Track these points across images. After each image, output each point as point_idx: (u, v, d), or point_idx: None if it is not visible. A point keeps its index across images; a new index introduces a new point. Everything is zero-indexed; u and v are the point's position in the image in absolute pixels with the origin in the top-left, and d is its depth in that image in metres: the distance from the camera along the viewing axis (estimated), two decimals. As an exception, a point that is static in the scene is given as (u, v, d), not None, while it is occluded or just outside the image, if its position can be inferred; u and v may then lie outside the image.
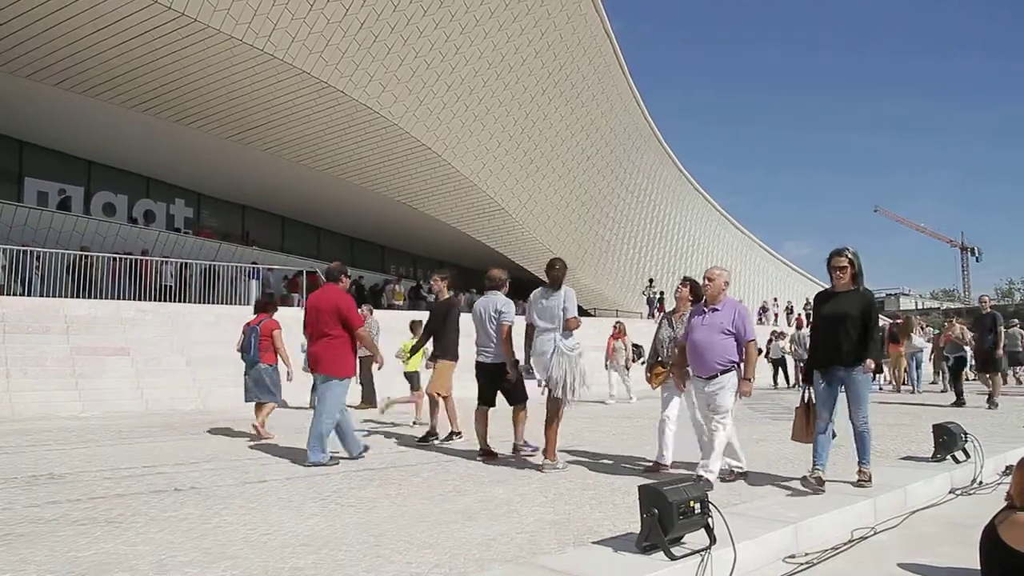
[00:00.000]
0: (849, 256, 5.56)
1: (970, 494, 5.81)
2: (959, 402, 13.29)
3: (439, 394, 8.49)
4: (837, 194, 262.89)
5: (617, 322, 16.21)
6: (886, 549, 4.30)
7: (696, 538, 3.68)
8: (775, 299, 39.85)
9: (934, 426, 6.67)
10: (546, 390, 6.36)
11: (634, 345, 15.51)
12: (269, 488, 5.61)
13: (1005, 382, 16.18)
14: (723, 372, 5.61)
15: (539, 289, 6.66)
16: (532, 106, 26.08)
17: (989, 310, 13.38)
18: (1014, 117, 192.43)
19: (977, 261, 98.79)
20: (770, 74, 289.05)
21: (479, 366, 7.14)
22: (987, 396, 12.93)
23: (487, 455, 7.07)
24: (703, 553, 3.54)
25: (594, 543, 3.85)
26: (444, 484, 5.71)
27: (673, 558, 3.48)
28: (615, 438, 8.80)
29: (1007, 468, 6.56)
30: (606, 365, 15.59)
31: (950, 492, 5.82)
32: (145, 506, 4.94)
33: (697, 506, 3.63)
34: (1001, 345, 12.94)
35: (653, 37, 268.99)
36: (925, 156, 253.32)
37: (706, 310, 5.80)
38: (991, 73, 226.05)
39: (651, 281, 35.35)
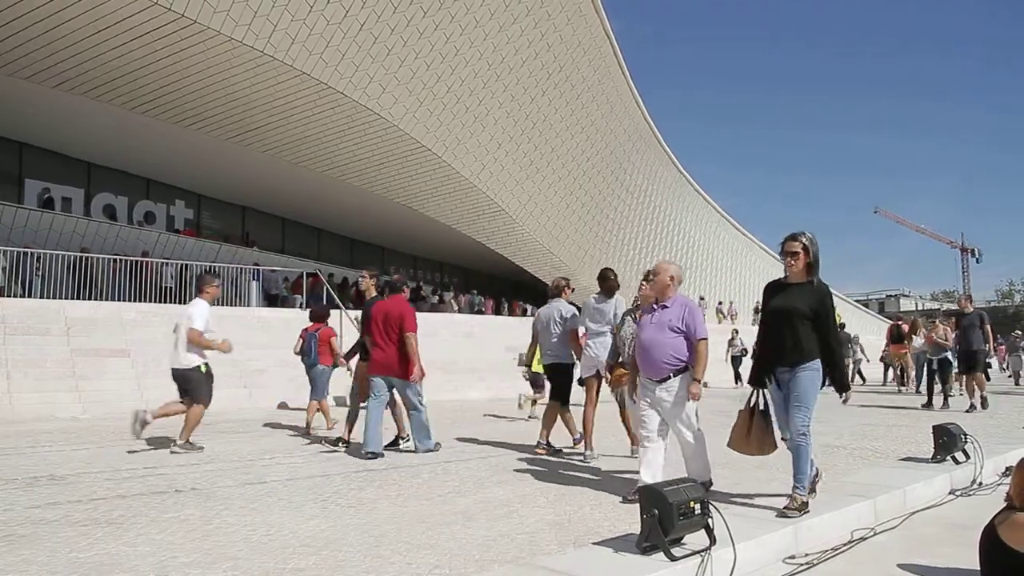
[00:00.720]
0: (804, 242, 4.93)
1: (970, 495, 5.81)
2: (930, 403, 13.20)
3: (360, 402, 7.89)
4: (837, 195, 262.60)
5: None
6: (886, 550, 4.30)
7: (696, 539, 3.68)
8: None
9: (934, 427, 6.68)
10: (589, 382, 7.37)
11: None
12: (269, 489, 5.61)
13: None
14: (676, 373, 5.10)
15: (593, 296, 7.46)
16: (532, 107, 26.10)
17: (972, 310, 12.99)
18: (1015, 118, 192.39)
19: (977, 262, 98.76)
20: (770, 75, 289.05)
21: (546, 367, 8.09)
22: (974, 400, 12.48)
23: (545, 446, 7.66)
24: (703, 554, 3.55)
25: (594, 544, 3.86)
26: (444, 485, 5.72)
27: (673, 559, 3.48)
28: (616, 439, 8.80)
29: (1007, 469, 6.56)
30: None
31: (950, 493, 5.83)
32: (146, 507, 4.95)
33: (697, 507, 3.63)
34: (992, 344, 12.74)
35: (653, 37, 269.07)
36: (925, 157, 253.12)
37: (656, 308, 5.36)
38: (992, 74, 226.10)
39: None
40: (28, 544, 3.97)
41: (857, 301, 56.50)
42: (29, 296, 16.15)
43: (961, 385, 13.32)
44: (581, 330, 7.57)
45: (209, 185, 26.89)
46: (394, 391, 7.62)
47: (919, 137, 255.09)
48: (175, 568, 3.55)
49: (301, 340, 10.23)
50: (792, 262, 4.94)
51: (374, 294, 8.21)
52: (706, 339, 5.18)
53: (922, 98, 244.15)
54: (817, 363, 4.76)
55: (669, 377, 5.09)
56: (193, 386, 7.55)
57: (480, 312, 29.69)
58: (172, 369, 7.66)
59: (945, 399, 13.22)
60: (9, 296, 15.44)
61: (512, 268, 33.33)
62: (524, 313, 31.19)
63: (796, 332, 4.81)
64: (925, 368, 14.81)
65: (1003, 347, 31.55)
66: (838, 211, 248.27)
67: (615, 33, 28.35)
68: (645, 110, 33.82)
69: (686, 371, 5.12)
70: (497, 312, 31.29)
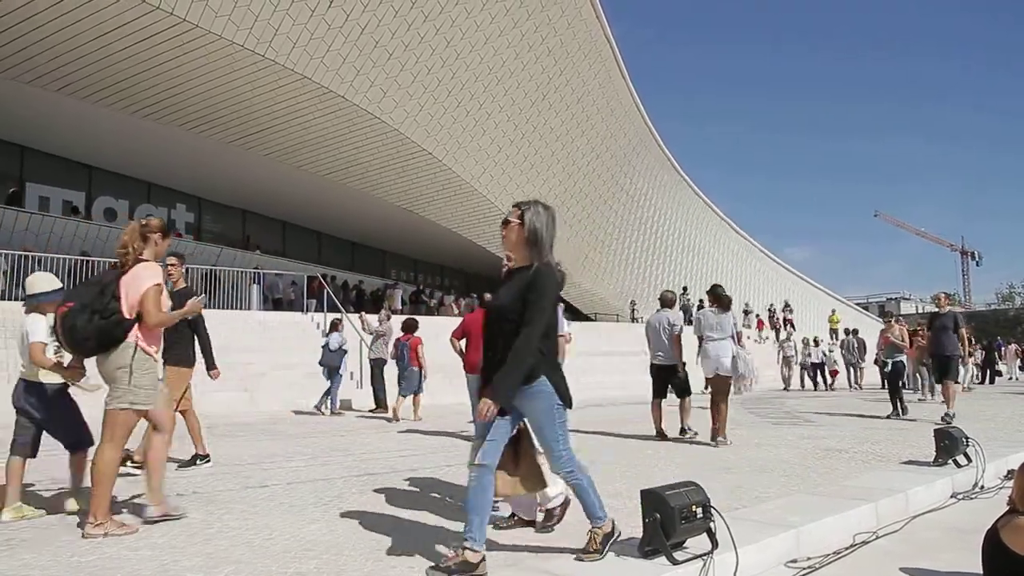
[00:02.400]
0: (524, 210, 3.71)
1: (972, 499, 5.80)
2: (896, 412, 11.76)
3: (179, 410, 6.72)
4: (837, 199, 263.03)
5: None
6: (888, 554, 4.29)
7: (698, 543, 3.68)
8: (786, 304, 39.14)
9: (935, 430, 6.67)
10: (714, 382, 8.44)
11: None
12: (271, 493, 5.60)
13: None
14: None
15: (707, 308, 8.86)
16: (533, 111, 26.13)
17: (948, 310, 11.70)
18: (1015, 121, 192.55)
19: (978, 265, 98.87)
20: (771, 79, 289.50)
21: (654, 367, 9.16)
22: (950, 410, 10.99)
23: (661, 436, 8.85)
24: (705, 558, 3.54)
25: (596, 548, 3.84)
26: (446, 489, 5.71)
27: (675, 563, 3.48)
28: (617, 442, 8.80)
29: (1009, 472, 6.55)
30: None
31: (952, 497, 5.81)
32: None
33: (699, 510, 3.63)
34: (967, 349, 11.33)
35: (654, 41, 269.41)
36: (925, 161, 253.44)
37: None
38: (992, 78, 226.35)
39: (685, 289, 35.22)
40: (29, 548, 3.97)
41: (857, 304, 56.47)
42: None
43: (927, 391, 12.37)
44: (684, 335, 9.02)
45: (210, 188, 26.93)
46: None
47: (920, 141, 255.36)
48: (177, 572, 3.54)
49: (395, 347, 12.58)
50: (506, 236, 3.73)
51: (183, 284, 7.09)
52: (562, 336, 4.45)
53: (922, 102, 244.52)
54: (544, 382, 3.57)
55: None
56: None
57: (481, 315, 29.66)
58: None
59: (902, 405, 11.90)
60: (10, 300, 15.44)
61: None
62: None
63: (508, 340, 3.55)
64: (879, 372, 13.57)
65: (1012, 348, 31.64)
66: (839, 215, 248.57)
67: (616, 37, 28.41)
68: (645, 114, 33.85)
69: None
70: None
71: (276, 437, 9.56)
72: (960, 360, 11.40)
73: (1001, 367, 29.44)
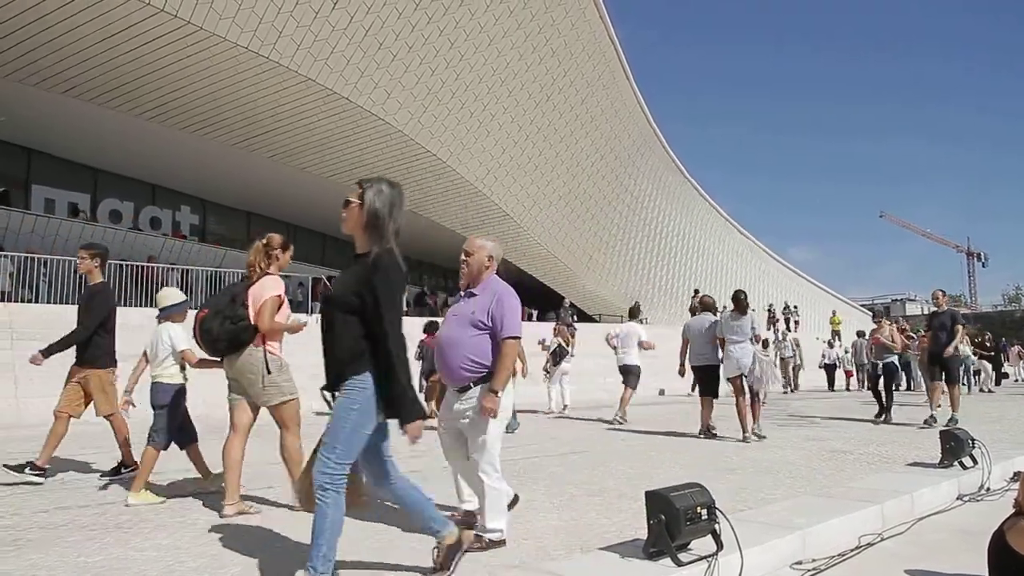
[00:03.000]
0: (364, 188, 3.34)
1: (978, 500, 5.79)
2: (882, 415, 11.51)
3: (105, 416, 6.56)
4: (842, 200, 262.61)
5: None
6: (893, 556, 4.29)
7: (703, 544, 3.68)
8: (786, 305, 39.11)
9: (941, 432, 6.66)
10: (735, 382, 9.06)
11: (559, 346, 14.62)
12: (277, 494, 5.62)
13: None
14: (478, 383, 4.07)
15: (728, 313, 9.37)
16: (537, 112, 26.14)
17: (946, 308, 11.29)
18: (1020, 122, 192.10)
19: (983, 267, 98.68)
20: (775, 80, 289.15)
21: (696, 368, 9.73)
22: (934, 412, 10.80)
23: (706, 433, 9.41)
24: (710, 559, 3.54)
25: (601, 549, 3.85)
26: (449, 489, 5.71)
27: (680, 564, 3.48)
28: (622, 444, 8.80)
29: (1015, 474, 6.54)
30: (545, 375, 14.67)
31: (957, 498, 5.80)
32: (153, 512, 4.96)
33: (704, 512, 3.63)
34: (955, 346, 10.77)
35: (658, 43, 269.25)
36: (931, 162, 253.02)
37: (463, 295, 4.34)
38: (996, 78, 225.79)
39: (696, 291, 35.20)
40: (36, 548, 3.98)
41: (863, 305, 56.35)
42: (36, 301, 16.21)
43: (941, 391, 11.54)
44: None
45: (214, 190, 26.98)
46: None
47: (924, 142, 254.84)
48: (182, 572, 3.56)
49: (417, 348, 12.44)
50: (345, 217, 3.37)
51: (99, 279, 6.86)
52: (517, 337, 4.10)
53: (926, 102, 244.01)
54: (364, 379, 3.18)
55: (469, 386, 4.09)
56: None
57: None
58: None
59: (888, 411, 11.55)
60: (17, 301, 15.50)
61: (518, 273, 33.32)
62: (530, 318, 31.17)
63: (334, 332, 3.26)
64: (868, 374, 12.88)
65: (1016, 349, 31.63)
66: (844, 216, 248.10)
67: (620, 38, 28.41)
68: (650, 115, 33.84)
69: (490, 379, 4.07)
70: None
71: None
72: (956, 360, 11.12)
73: (1007, 368, 29.41)
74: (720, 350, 9.38)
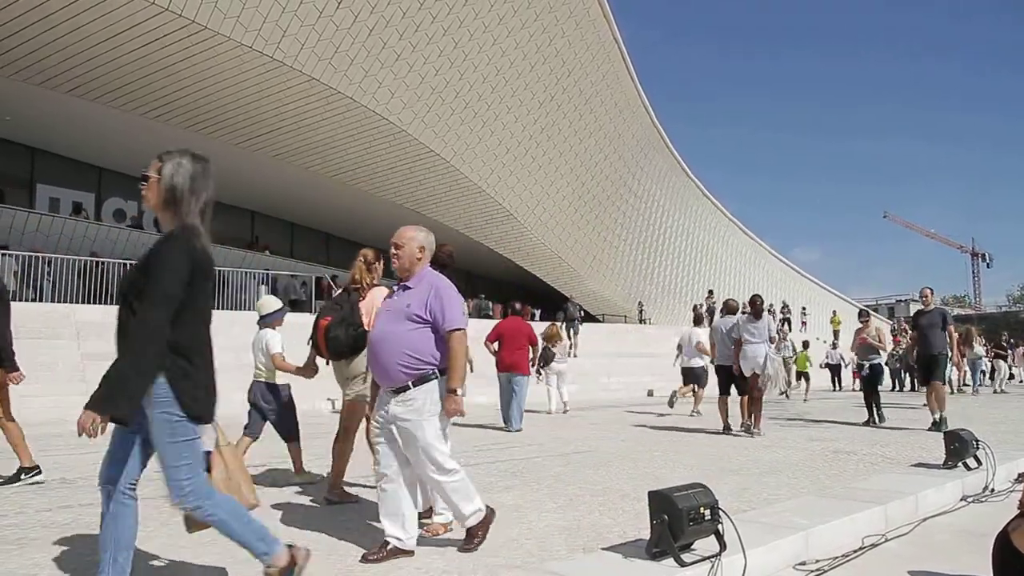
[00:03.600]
0: (163, 161, 3.06)
1: (982, 501, 5.76)
2: (871, 420, 11.04)
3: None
4: (846, 200, 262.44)
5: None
6: (897, 557, 4.27)
7: (706, 544, 3.67)
8: (784, 304, 39.03)
9: (945, 433, 6.64)
10: (750, 381, 9.63)
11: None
12: (281, 494, 5.62)
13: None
14: (418, 382, 3.73)
15: (745, 315, 9.93)
16: (541, 112, 26.13)
17: (934, 306, 10.80)
18: (1021, 122, 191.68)
19: (988, 267, 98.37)
20: (778, 80, 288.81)
21: (720, 368, 10.32)
22: (935, 416, 10.08)
23: (726, 430, 9.90)
24: (713, 559, 3.53)
25: (603, 549, 3.84)
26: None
27: (683, 564, 3.47)
28: (624, 444, 8.79)
29: (1020, 475, 6.53)
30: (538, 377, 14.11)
31: (961, 499, 5.78)
32: (156, 511, 4.94)
33: (707, 512, 3.62)
34: (956, 348, 10.28)
35: (660, 43, 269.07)
36: (934, 162, 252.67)
37: (396, 289, 4.09)
38: (999, 78, 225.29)
39: (710, 292, 35.26)
40: (40, 548, 3.99)
41: (867, 306, 56.28)
42: (40, 300, 16.24)
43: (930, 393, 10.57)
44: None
45: (219, 189, 26.75)
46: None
47: (927, 142, 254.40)
48: (187, 572, 3.56)
49: None
50: (144, 194, 3.06)
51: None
52: (463, 330, 3.78)
53: (930, 102, 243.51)
54: (160, 385, 2.75)
55: (408, 387, 3.73)
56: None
57: (488, 317, 29.69)
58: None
59: (879, 413, 11.11)
60: (20, 300, 15.52)
61: (521, 273, 33.32)
62: (532, 318, 31.19)
63: (124, 328, 2.82)
64: (855, 375, 12.60)
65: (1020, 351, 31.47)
66: (847, 216, 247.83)
67: (623, 39, 28.39)
68: (653, 115, 33.80)
69: (431, 378, 3.76)
70: (504, 317, 31.34)
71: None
72: (948, 359, 10.47)
73: (1013, 369, 29.31)
74: (737, 350, 9.85)
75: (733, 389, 10.04)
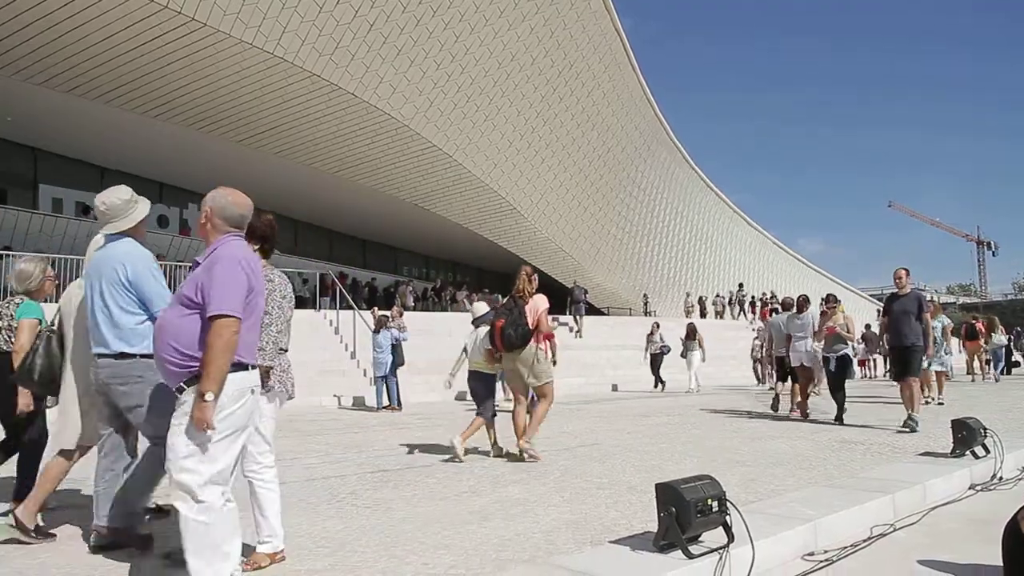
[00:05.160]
0: None
1: (990, 490, 5.74)
2: (840, 416, 9.86)
3: None
4: (851, 190, 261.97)
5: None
6: (906, 546, 4.25)
7: (714, 536, 3.65)
8: (772, 295, 38.45)
9: (953, 421, 6.61)
10: (799, 370, 10.82)
11: None
12: (286, 490, 5.59)
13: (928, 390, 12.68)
14: (191, 382, 2.94)
15: (788, 313, 11.36)
16: (543, 105, 26.08)
17: (910, 290, 9.27)
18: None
19: (994, 255, 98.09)
20: (782, 71, 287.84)
21: (776, 359, 11.86)
22: (913, 413, 8.71)
23: (802, 414, 10.66)
24: (721, 551, 3.52)
25: (611, 542, 3.83)
26: (459, 484, 5.71)
27: (691, 556, 3.46)
28: (631, 436, 8.78)
29: (1028, 463, 6.49)
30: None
31: (970, 488, 5.76)
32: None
33: (715, 504, 3.60)
34: (932, 338, 9.09)
35: (662, 35, 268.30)
36: (939, 151, 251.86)
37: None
38: (1002, 69, 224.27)
39: (740, 286, 35.33)
40: (45, 547, 3.99)
41: (872, 295, 56.13)
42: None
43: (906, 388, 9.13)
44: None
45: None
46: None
47: (933, 131, 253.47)
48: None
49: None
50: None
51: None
52: (226, 317, 2.90)
53: (935, 92, 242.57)
54: None
55: (183, 388, 2.98)
56: None
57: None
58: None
59: (840, 412, 9.91)
60: (25, 300, 15.55)
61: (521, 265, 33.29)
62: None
63: None
64: (823, 369, 11.01)
65: None
66: (852, 206, 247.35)
67: (625, 30, 28.32)
68: (656, 107, 33.71)
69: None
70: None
71: (290, 434, 9.57)
72: (922, 351, 8.97)
73: (1018, 357, 29.28)
74: (787, 343, 11.09)
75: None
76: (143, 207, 4.21)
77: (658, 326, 19.26)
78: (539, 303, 6.95)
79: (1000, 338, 21.62)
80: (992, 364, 21.01)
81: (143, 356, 3.79)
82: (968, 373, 20.96)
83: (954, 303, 77.26)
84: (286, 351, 4.05)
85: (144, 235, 4.23)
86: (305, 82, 18.90)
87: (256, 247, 3.93)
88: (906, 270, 9.34)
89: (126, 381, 3.83)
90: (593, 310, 32.30)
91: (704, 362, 18.58)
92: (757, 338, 19.36)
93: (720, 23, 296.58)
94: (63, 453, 4.26)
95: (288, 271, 22.79)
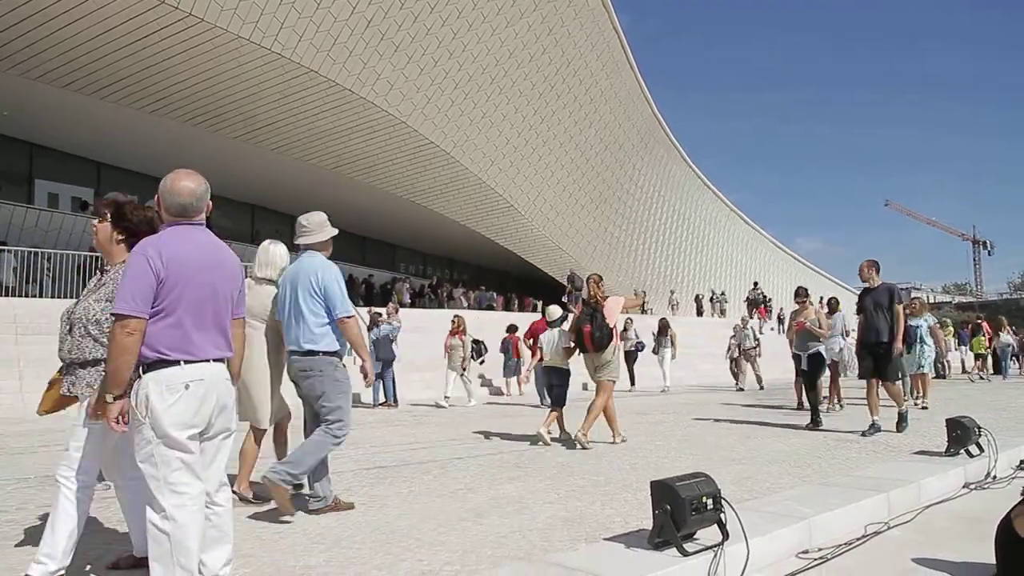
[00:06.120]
0: None
1: (984, 488, 5.77)
2: (815, 421, 9.14)
3: None
4: (847, 189, 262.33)
5: (455, 317, 14.83)
6: (900, 544, 4.27)
7: (709, 534, 3.66)
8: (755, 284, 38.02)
9: (947, 420, 6.63)
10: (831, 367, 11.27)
11: (474, 341, 14.43)
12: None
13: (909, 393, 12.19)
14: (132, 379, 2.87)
15: (823, 312, 11.80)
16: (540, 102, 26.06)
17: (881, 283, 8.54)
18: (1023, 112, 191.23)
19: (989, 255, 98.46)
20: (780, 69, 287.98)
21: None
22: (875, 418, 8.24)
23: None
24: (716, 549, 3.53)
25: (606, 540, 3.84)
26: (455, 482, 5.71)
27: (686, 554, 3.47)
28: (626, 434, 8.78)
29: (1021, 462, 6.53)
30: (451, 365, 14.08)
31: (964, 487, 5.78)
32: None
33: (709, 502, 3.61)
34: (901, 335, 8.21)
35: (659, 33, 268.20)
36: (936, 150, 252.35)
37: None
38: (999, 68, 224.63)
39: (756, 284, 35.33)
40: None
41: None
42: (40, 296, 16.23)
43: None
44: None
45: (218, 183, 26.58)
46: None
47: (929, 131, 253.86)
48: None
49: (502, 343, 16.19)
50: None
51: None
52: (121, 317, 2.77)
53: (931, 91, 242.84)
54: None
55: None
56: None
57: (491, 308, 29.72)
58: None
59: (815, 415, 9.24)
60: (21, 296, 15.52)
61: (523, 264, 33.32)
62: (534, 309, 31.17)
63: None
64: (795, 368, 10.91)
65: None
66: (848, 205, 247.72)
67: (623, 28, 28.32)
68: (654, 105, 33.72)
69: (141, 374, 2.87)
70: (507, 308, 31.34)
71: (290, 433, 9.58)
72: (896, 349, 8.23)
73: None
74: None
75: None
76: (333, 228, 5.40)
77: (631, 321, 17.65)
78: (615, 306, 7.78)
79: (1007, 338, 21.99)
80: (1004, 363, 21.52)
81: (325, 353, 4.66)
82: (963, 372, 21.28)
83: (950, 302, 77.43)
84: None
85: (330, 250, 5.28)
86: (302, 78, 18.86)
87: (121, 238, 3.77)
88: (871, 262, 8.65)
89: (310, 375, 4.64)
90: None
91: (675, 359, 17.65)
92: (733, 337, 17.92)
93: (718, 21, 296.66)
94: (255, 432, 5.06)
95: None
